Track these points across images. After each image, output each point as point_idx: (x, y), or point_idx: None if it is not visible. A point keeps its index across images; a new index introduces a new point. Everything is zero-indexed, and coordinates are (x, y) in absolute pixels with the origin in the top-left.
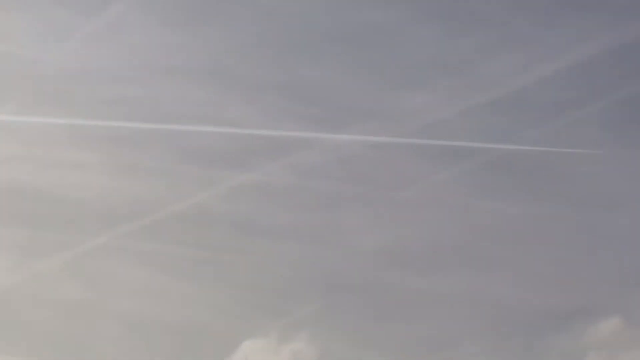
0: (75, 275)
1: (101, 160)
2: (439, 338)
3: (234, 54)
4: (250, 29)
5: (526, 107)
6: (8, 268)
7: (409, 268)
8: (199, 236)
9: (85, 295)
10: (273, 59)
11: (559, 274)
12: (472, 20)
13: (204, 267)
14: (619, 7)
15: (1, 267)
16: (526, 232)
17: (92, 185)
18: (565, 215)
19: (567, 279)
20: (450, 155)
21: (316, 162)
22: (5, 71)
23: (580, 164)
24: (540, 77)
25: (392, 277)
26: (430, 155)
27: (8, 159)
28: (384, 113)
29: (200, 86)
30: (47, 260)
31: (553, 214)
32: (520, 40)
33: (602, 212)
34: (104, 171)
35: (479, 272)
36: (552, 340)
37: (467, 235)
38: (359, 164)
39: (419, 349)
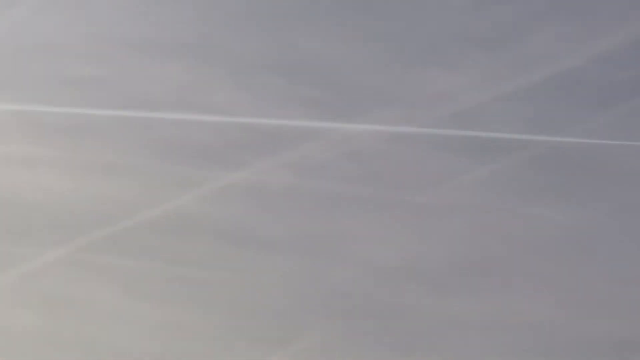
0: (25, 297)
1: (57, 155)
2: None
3: (219, 26)
4: None
5: (578, 91)
6: None
7: (432, 288)
8: (177, 249)
9: (37, 322)
10: (267, 31)
11: (614, 295)
12: None
13: (183, 287)
14: None
15: None
16: (576, 244)
17: (47, 186)
18: (623, 224)
19: (624, 301)
20: (484, 149)
21: (320, 159)
22: None
23: None
24: (596, 55)
25: (411, 298)
26: (459, 149)
27: None
28: (403, 97)
29: (179, 65)
30: None
31: (609, 221)
32: (570, 10)
33: None
34: (60, 169)
35: (517, 292)
36: None
37: (503, 248)
38: (372, 161)
39: None
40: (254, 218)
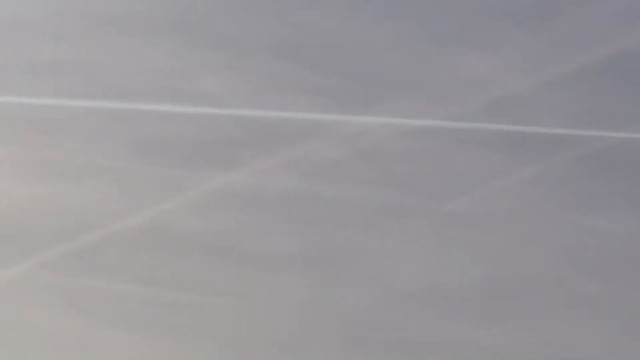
0: None
1: (20, 154)
2: None
3: (208, 2)
4: None
5: (637, 77)
6: None
7: (462, 314)
8: (158, 267)
9: None
10: (267, 6)
11: None
12: None
13: (165, 313)
14: None
15: None
16: (637, 261)
17: (4, 190)
18: None
19: None
20: (525, 146)
21: (329, 158)
22: None
23: None
24: None
25: (437, 327)
26: (495, 147)
27: None
28: (427, 84)
29: (164, 47)
30: None
31: None
32: None
33: None
34: (23, 171)
35: (564, 321)
36: None
37: (548, 267)
38: (391, 161)
39: None
40: (250, 229)
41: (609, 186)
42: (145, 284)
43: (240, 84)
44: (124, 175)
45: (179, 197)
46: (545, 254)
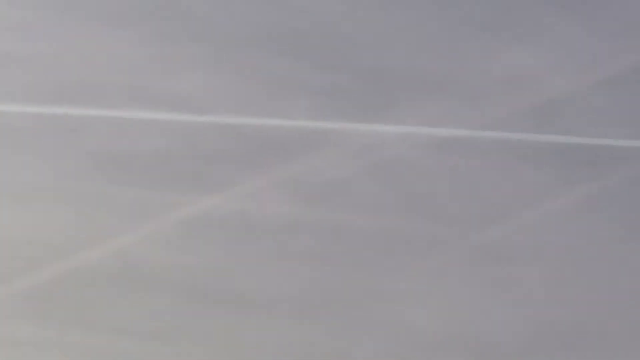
0: None
1: None
2: None
3: None
4: None
5: None
6: None
7: None
8: (123, 312)
9: None
10: None
11: None
12: None
13: None
14: None
15: None
16: None
17: None
18: None
19: None
20: (578, 161)
21: (334, 177)
22: None
23: None
24: None
25: None
26: (539, 161)
27: None
28: (455, 85)
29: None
30: None
31: None
32: None
33: None
34: None
35: None
36: None
37: (610, 312)
38: (411, 180)
39: None
40: (237, 265)
41: None
42: (106, 333)
43: (225, 84)
44: (80, 198)
45: (148, 225)
46: (602, 296)
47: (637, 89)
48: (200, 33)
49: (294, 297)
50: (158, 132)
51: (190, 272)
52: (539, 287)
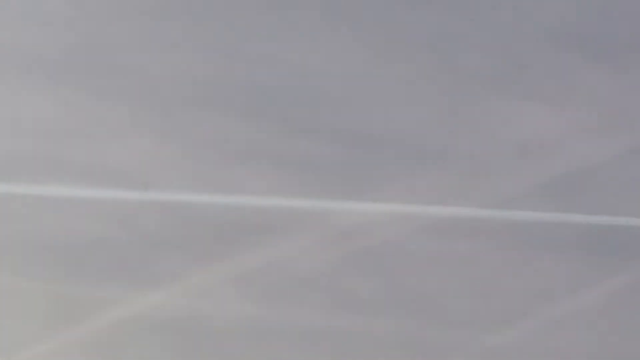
0: None
1: None
2: None
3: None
4: None
5: None
6: None
7: None
8: None
9: None
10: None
11: None
12: None
13: None
14: None
15: None
16: None
17: None
18: None
19: None
20: (609, 246)
21: (307, 269)
22: None
23: None
24: None
25: None
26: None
27: None
28: (457, 153)
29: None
30: None
31: None
32: None
33: None
34: None
35: None
36: None
37: None
38: (404, 271)
39: None
40: None
41: None
42: None
43: (171, 153)
44: None
45: (73, 331)
46: None
47: None
48: (138, 90)
49: None
50: (86, 212)
51: None
52: None
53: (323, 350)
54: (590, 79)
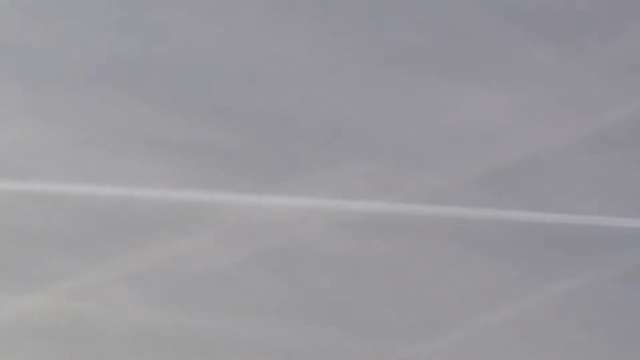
0: None
1: None
2: None
3: None
4: None
5: None
6: None
7: None
8: None
9: None
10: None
11: None
12: None
13: None
14: None
15: None
16: None
17: None
18: None
19: None
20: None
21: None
22: None
23: None
24: None
25: None
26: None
27: None
28: (392, 139)
29: None
30: None
31: None
32: None
33: None
34: None
35: None
36: None
37: None
38: (324, 270)
39: None
40: None
41: None
42: None
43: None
44: None
45: None
46: None
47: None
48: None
49: None
50: None
51: None
52: None
53: (219, 356)
54: (539, 59)
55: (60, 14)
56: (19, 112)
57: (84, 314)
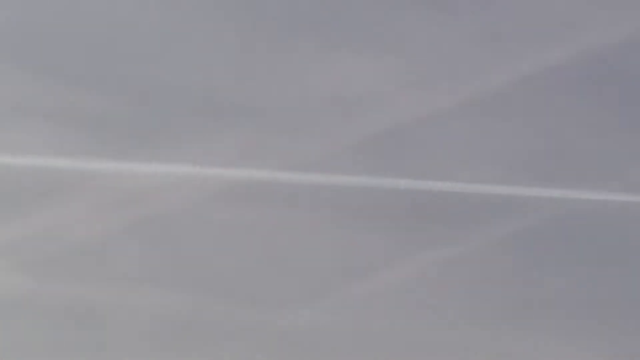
0: None
1: None
2: None
3: None
4: None
5: None
6: None
7: None
8: None
9: None
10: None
11: None
12: None
13: None
14: None
15: None
16: None
17: None
18: None
19: None
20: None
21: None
22: None
23: None
24: None
25: None
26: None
27: None
28: (267, 107)
29: None
30: None
31: None
32: None
33: None
34: None
35: None
36: None
37: None
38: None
39: None
40: None
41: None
42: None
43: None
44: None
45: None
46: None
47: (515, 112)
48: None
49: None
50: None
51: None
52: None
53: (91, 325)
54: (416, 26)
55: None
56: None
57: None
